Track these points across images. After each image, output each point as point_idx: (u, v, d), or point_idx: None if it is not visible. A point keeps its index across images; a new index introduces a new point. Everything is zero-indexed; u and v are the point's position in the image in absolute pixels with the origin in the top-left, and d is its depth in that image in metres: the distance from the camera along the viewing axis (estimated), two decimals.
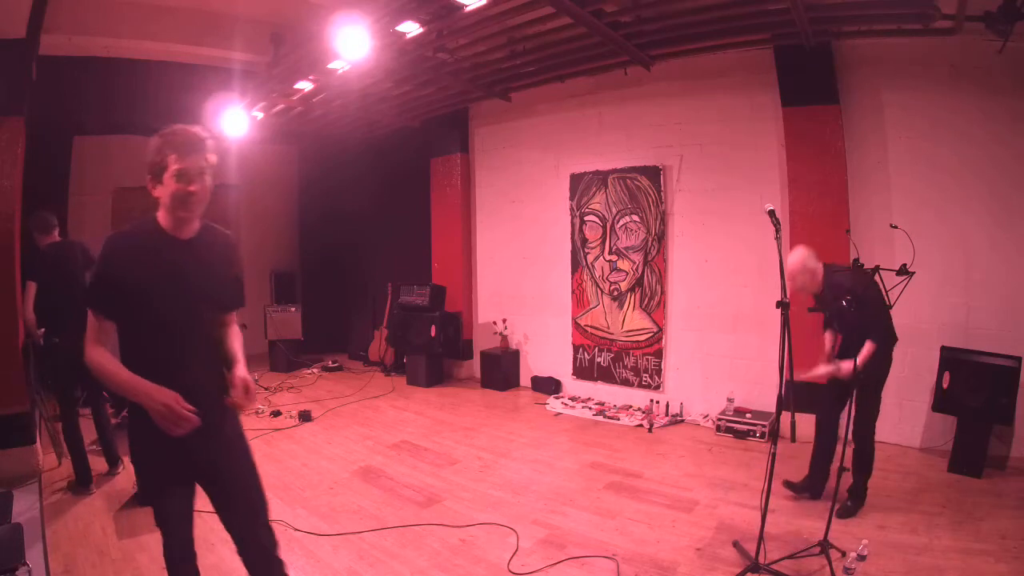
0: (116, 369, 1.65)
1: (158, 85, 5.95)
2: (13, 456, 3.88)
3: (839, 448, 2.81)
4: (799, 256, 3.22)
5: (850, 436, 3.02)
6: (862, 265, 2.84)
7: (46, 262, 3.86)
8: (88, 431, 3.98)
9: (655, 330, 5.43)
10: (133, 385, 1.62)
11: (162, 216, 1.75)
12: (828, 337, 3.39)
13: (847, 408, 3.21)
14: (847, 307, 2.85)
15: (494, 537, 3.10)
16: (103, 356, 1.67)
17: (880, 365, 3.18)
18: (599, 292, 5.82)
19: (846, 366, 3.06)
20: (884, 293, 2.92)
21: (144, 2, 5.13)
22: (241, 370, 1.84)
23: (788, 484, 3.51)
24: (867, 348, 3.00)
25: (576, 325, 6.02)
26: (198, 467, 1.80)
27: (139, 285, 1.67)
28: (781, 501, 3.37)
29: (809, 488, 3.48)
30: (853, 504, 3.23)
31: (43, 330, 3.81)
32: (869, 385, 3.17)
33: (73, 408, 3.84)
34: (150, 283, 1.68)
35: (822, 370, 3.21)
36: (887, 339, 3.18)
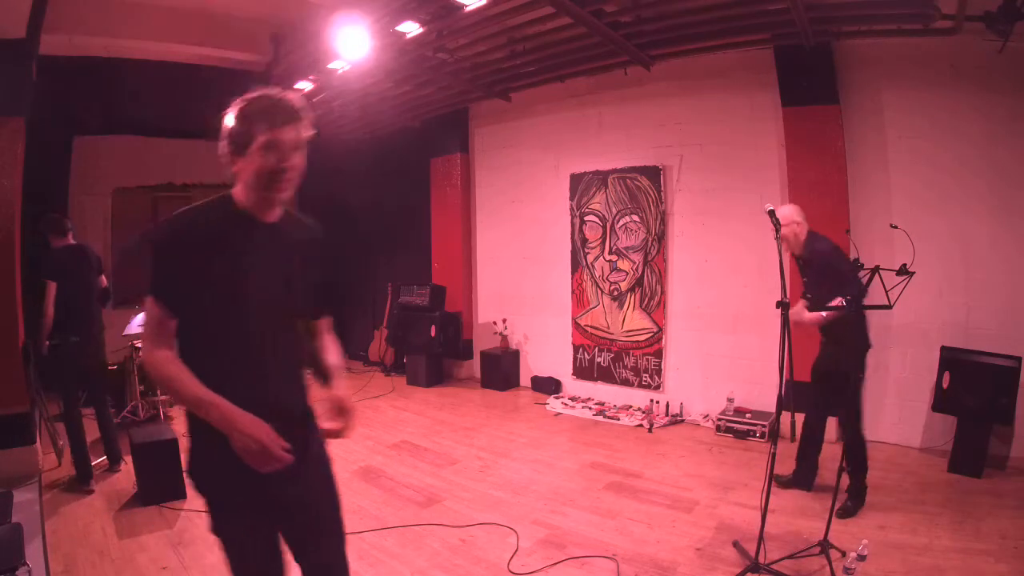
0: (187, 381, 1.33)
1: (158, 85, 5.96)
2: (13, 456, 3.88)
3: (840, 448, 2.81)
4: (788, 208, 3.37)
5: (840, 438, 3.07)
6: (862, 265, 2.84)
7: (62, 263, 3.90)
8: (90, 430, 3.99)
9: (655, 330, 5.43)
10: (214, 406, 1.30)
11: (241, 194, 1.45)
12: (802, 303, 3.44)
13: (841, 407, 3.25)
14: (846, 308, 2.84)
15: (494, 537, 3.10)
16: (170, 362, 1.36)
17: (856, 362, 3.24)
18: (599, 292, 5.82)
19: (810, 315, 3.18)
20: (885, 294, 2.92)
21: (144, 2, 5.13)
22: (339, 387, 1.55)
23: (777, 477, 3.53)
24: (836, 301, 3.03)
25: (576, 325, 6.02)
26: (279, 501, 1.49)
27: (219, 272, 1.38)
28: (781, 501, 3.37)
29: (798, 482, 3.51)
30: (853, 504, 3.23)
31: (48, 342, 3.88)
32: (850, 384, 3.21)
33: (76, 406, 3.87)
34: (232, 270, 1.39)
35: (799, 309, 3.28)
36: (861, 327, 3.23)
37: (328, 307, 1.71)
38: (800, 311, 3.26)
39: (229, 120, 1.41)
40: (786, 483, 3.55)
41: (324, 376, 1.61)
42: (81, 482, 3.77)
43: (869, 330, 3.31)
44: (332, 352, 1.66)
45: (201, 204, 1.44)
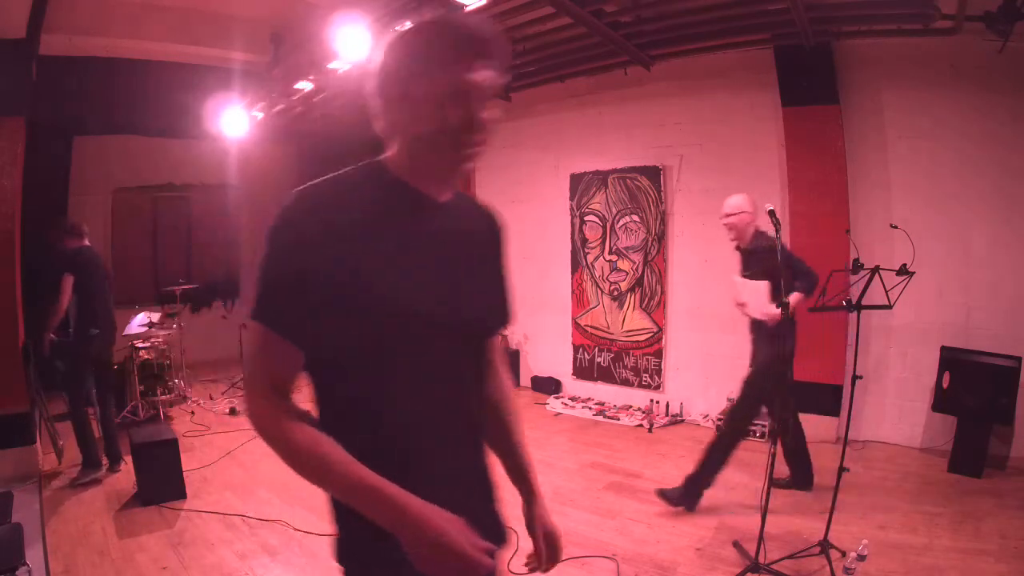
0: (331, 455, 0.86)
1: (158, 85, 5.96)
2: (13, 456, 3.89)
3: (840, 448, 2.81)
4: (739, 197, 3.37)
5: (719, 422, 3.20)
6: (862, 265, 2.84)
7: (80, 261, 3.97)
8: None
9: (655, 330, 5.43)
10: (382, 495, 0.85)
11: (401, 162, 0.98)
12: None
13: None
14: (845, 308, 2.84)
15: None
16: (298, 426, 0.89)
17: (761, 368, 3.30)
18: (599, 292, 5.82)
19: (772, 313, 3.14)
20: (885, 294, 2.91)
21: (144, 2, 5.13)
22: (540, 501, 1.13)
23: (776, 483, 3.53)
24: (796, 295, 3.10)
25: (576, 325, 6.02)
26: None
27: (377, 274, 0.90)
28: (781, 501, 3.37)
29: (795, 483, 3.50)
30: (675, 495, 3.32)
31: (52, 337, 3.95)
32: (760, 376, 3.30)
33: (83, 399, 3.95)
34: (397, 271, 0.92)
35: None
36: (777, 338, 3.17)
37: (508, 319, 1.16)
38: (767, 304, 3.18)
39: (385, 52, 0.95)
40: (784, 485, 3.55)
41: (518, 470, 1.12)
42: (91, 468, 3.84)
43: (789, 343, 3.25)
44: (511, 401, 1.17)
45: (341, 176, 0.98)
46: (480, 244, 1.10)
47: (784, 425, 3.46)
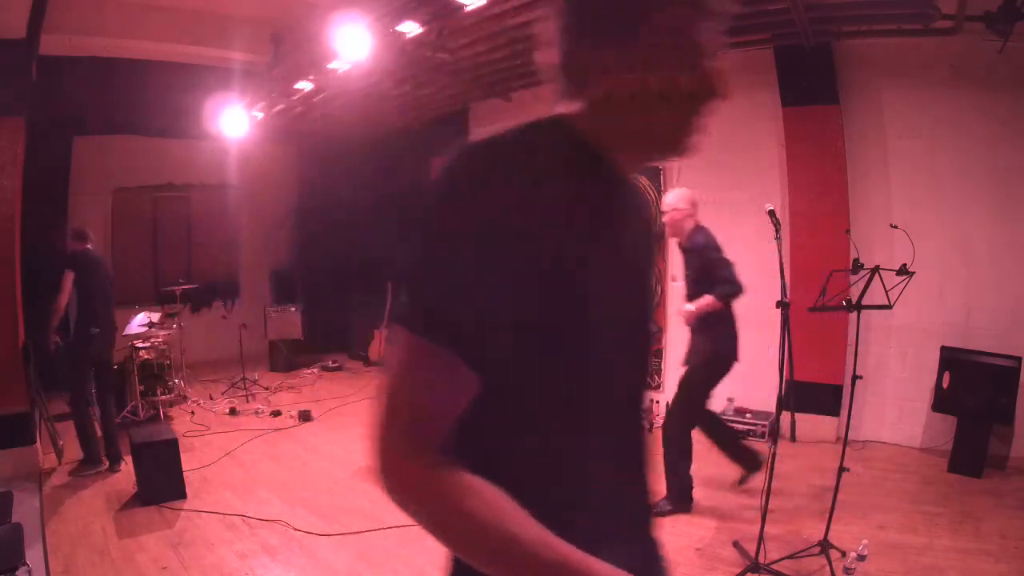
0: (521, 524, 0.63)
1: (158, 85, 5.97)
2: (13, 456, 3.89)
3: (840, 448, 2.81)
4: (676, 192, 3.34)
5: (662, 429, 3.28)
6: (862, 265, 2.84)
7: (82, 261, 4.03)
8: None
9: (655, 330, 5.43)
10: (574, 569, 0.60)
11: (594, 122, 0.73)
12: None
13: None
14: (845, 308, 2.84)
15: None
16: (471, 498, 0.65)
17: (699, 368, 3.33)
18: None
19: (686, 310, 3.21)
20: (885, 294, 2.91)
21: (144, 2, 5.14)
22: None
23: (741, 479, 3.53)
24: (706, 299, 3.12)
25: None
26: None
27: (570, 276, 0.66)
28: (781, 501, 3.36)
29: (748, 470, 3.49)
30: (668, 504, 3.28)
31: (56, 337, 4.02)
32: (695, 375, 3.32)
33: (84, 402, 3.96)
34: (592, 269, 0.69)
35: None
36: (715, 338, 3.28)
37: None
38: (697, 303, 3.20)
39: None
40: (743, 480, 3.52)
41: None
42: (90, 466, 3.86)
43: (732, 343, 3.32)
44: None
45: (521, 131, 0.71)
46: (648, 237, 0.89)
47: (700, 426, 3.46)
